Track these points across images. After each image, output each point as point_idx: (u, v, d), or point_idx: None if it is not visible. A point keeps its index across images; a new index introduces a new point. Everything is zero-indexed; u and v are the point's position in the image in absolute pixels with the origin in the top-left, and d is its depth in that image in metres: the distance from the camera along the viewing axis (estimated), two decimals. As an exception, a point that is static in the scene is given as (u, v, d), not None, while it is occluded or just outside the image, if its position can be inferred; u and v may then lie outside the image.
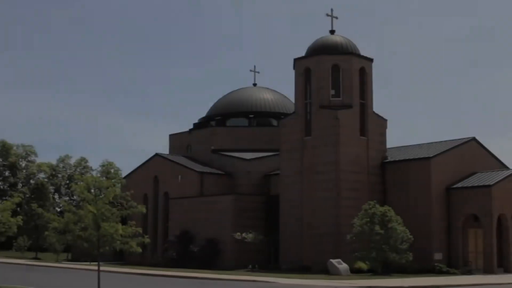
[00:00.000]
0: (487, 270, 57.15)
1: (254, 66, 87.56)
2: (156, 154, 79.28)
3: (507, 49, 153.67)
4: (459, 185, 60.54)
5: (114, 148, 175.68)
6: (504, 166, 65.78)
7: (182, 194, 72.91)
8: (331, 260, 53.82)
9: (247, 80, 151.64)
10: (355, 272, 53.55)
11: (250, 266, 60.95)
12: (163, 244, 73.01)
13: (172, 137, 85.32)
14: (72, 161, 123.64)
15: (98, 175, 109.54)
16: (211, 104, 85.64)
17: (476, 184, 59.72)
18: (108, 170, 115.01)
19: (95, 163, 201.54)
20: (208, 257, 65.34)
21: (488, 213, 57.82)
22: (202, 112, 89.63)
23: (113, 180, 35.79)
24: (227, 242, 65.42)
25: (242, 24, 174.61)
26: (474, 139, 64.67)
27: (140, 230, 36.06)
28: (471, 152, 63.93)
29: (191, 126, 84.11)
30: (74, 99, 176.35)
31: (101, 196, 33.18)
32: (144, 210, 35.76)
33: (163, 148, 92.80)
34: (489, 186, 58.19)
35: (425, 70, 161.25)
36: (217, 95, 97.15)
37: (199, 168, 74.68)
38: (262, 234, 65.17)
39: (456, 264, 58.26)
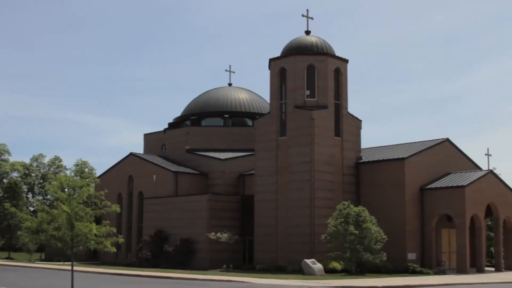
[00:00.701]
0: (460, 270, 57.58)
1: (230, 66, 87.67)
2: (131, 154, 79.06)
3: (481, 50, 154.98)
4: (433, 185, 60.94)
5: (89, 147, 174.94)
6: (477, 167, 66.35)
7: (157, 193, 72.75)
8: (306, 260, 53.91)
9: (222, 80, 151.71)
10: (329, 272, 53.67)
11: (224, 266, 60.97)
12: (137, 244, 72.78)
13: (147, 136, 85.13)
14: (46, 160, 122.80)
15: (72, 174, 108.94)
16: (186, 103, 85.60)
17: (449, 185, 60.13)
18: (82, 169, 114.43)
19: (69, 162, 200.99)
20: (183, 257, 65.22)
21: (461, 214, 58.23)
22: (177, 111, 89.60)
23: (87, 180, 35.54)
24: (201, 242, 65.32)
25: (218, 23, 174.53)
26: (447, 140, 65.17)
27: (114, 229, 35.93)
28: (445, 153, 64.41)
29: (166, 126, 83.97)
30: (49, 97, 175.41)
31: (75, 196, 33.06)
32: (118, 209, 35.66)
33: (138, 147, 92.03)
34: (462, 186, 58.60)
35: (399, 71, 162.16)
36: (192, 95, 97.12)
37: (174, 167, 74.55)
38: (236, 234, 65.23)
39: (429, 264, 58.63)
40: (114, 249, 34.63)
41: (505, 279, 50.57)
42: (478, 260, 60.30)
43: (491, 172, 63.04)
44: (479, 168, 66.00)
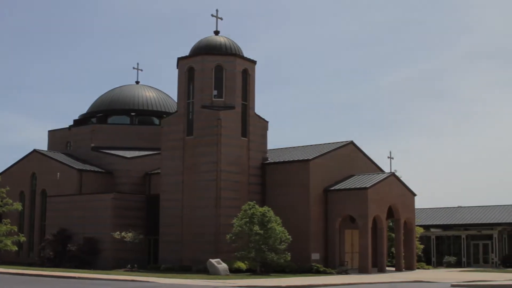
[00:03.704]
0: (362, 270, 58.80)
1: (137, 64, 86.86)
2: (34, 150, 77.45)
3: (388, 55, 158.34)
4: (337, 187, 62.00)
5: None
6: (379, 170, 67.89)
7: (61, 191, 71.49)
8: (211, 260, 53.97)
9: (129, 78, 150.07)
10: (234, 272, 53.90)
11: (129, 266, 60.37)
12: (40, 243, 71.33)
13: (51, 133, 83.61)
14: None
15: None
16: (92, 101, 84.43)
17: (353, 187, 61.31)
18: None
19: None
20: (87, 257, 64.28)
21: (364, 215, 59.47)
22: (83, 109, 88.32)
23: (-12, 177, 34.84)
24: (106, 241, 64.55)
25: (126, 20, 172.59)
26: (352, 142, 66.44)
27: (15, 228, 35.32)
28: (349, 155, 65.71)
29: (71, 123, 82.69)
30: None
31: (-26, 194, 32.30)
32: (20, 207, 35.11)
33: (42, 144, 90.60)
34: (365, 188, 59.83)
35: (307, 73, 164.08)
36: (99, 92, 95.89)
37: (79, 165, 73.46)
38: (142, 234, 64.80)
39: (332, 264, 59.63)
40: (15, 248, 34.06)
41: (405, 278, 51.83)
42: (379, 260, 61.73)
43: (393, 174, 64.62)
44: (382, 171, 67.59)
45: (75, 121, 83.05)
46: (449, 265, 76.11)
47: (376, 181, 61.40)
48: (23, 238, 62.03)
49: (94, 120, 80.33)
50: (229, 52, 63.62)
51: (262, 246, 53.69)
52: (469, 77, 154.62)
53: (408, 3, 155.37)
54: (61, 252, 65.78)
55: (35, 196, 75.72)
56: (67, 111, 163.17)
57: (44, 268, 58.97)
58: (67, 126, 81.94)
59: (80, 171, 72.20)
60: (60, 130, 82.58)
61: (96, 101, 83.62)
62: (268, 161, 64.20)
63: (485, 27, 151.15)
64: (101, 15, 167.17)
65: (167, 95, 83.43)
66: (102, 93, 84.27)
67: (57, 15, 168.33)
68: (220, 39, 64.81)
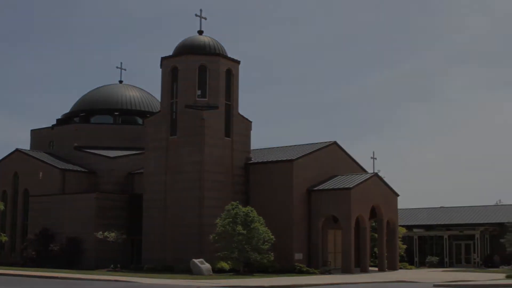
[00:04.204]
0: (345, 270, 58.94)
1: (121, 63, 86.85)
2: (17, 150, 77.02)
3: (372, 55, 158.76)
4: (320, 187, 62.09)
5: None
6: (362, 170, 68.05)
7: (43, 191, 71.15)
8: (194, 259, 53.93)
9: (113, 77, 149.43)
10: (218, 272, 53.90)
11: (112, 266, 60.21)
12: (22, 243, 70.98)
13: (34, 132, 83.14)
14: None
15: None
16: (75, 100, 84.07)
17: (336, 187, 61.44)
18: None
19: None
20: (69, 257, 64.11)
21: (347, 215, 59.62)
22: (66, 108, 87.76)
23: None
24: (89, 241, 64.35)
25: (110, 19, 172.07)
26: (335, 143, 66.54)
27: (-3, 228, 35.10)
28: (332, 155, 65.78)
29: (54, 122, 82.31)
30: None
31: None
32: (2, 207, 34.89)
33: (25, 143, 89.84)
34: (348, 188, 59.98)
35: (289, 73, 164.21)
36: (82, 92, 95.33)
37: (61, 165, 73.13)
38: (124, 234, 64.62)
39: (315, 264, 59.76)
40: (-3, 248, 33.80)
41: (388, 278, 52.04)
42: (362, 260, 61.89)
43: (376, 175, 64.83)
44: (365, 171, 67.73)
45: (58, 120, 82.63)
46: (432, 265, 76.44)
47: (359, 182, 61.56)
48: (5, 238, 61.79)
49: (77, 119, 79.96)
50: (213, 52, 63.57)
51: (245, 246, 53.71)
52: (453, 78, 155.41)
53: (394, 3, 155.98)
54: (43, 252, 65.53)
55: (17, 195, 75.29)
56: (50, 110, 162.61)
57: (26, 268, 58.72)
58: (50, 125, 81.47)
59: (63, 170, 71.89)
60: (43, 129, 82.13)
61: (79, 100, 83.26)
62: (251, 161, 64.21)
63: (470, 29, 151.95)
64: (84, 14, 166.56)
65: (151, 94, 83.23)
66: (85, 92, 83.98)
67: (40, 14, 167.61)
68: (204, 39, 64.74)
